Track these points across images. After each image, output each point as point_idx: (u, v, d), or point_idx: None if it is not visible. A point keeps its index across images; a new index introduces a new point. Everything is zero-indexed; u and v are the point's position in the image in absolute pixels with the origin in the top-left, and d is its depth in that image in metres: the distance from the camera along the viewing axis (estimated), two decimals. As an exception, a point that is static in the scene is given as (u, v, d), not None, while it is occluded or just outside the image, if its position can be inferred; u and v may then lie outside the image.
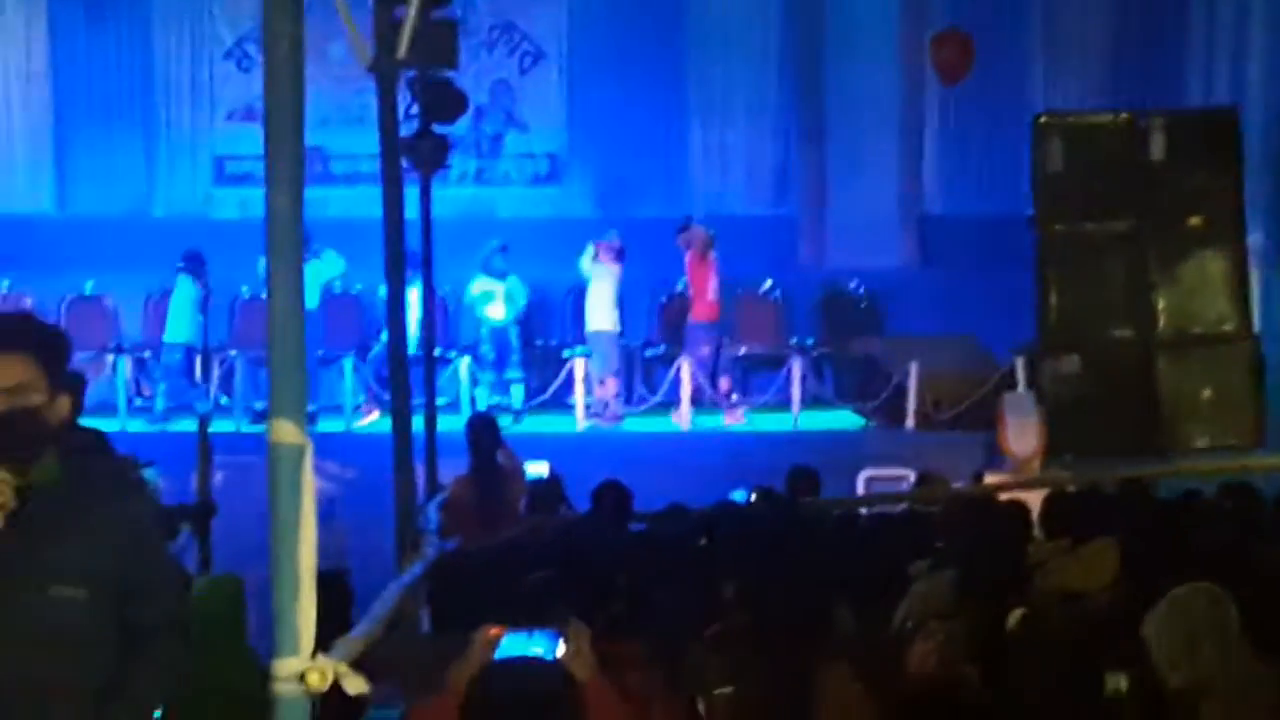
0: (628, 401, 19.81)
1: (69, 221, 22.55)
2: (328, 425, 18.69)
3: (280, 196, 4.52)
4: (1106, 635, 6.11)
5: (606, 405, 19.40)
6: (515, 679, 4.57)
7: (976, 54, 20.62)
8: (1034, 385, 17.57)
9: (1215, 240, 17.59)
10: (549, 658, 4.85)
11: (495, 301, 19.84)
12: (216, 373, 19.94)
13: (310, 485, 4.43)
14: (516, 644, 4.88)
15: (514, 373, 19.89)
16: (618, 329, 19.56)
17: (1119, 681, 5.51)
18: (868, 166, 22.47)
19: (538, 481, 13.28)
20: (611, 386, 19.42)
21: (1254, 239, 17.99)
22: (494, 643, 4.89)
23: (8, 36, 22.68)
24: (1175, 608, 5.89)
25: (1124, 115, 18.22)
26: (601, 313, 19.44)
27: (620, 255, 19.48)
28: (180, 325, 19.76)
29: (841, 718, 5.77)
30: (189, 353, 19.80)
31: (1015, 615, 6.85)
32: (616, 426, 19.36)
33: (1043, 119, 18.13)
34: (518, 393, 19.85)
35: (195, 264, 19.69)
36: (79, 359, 19.32)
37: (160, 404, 19.60)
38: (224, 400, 19.93)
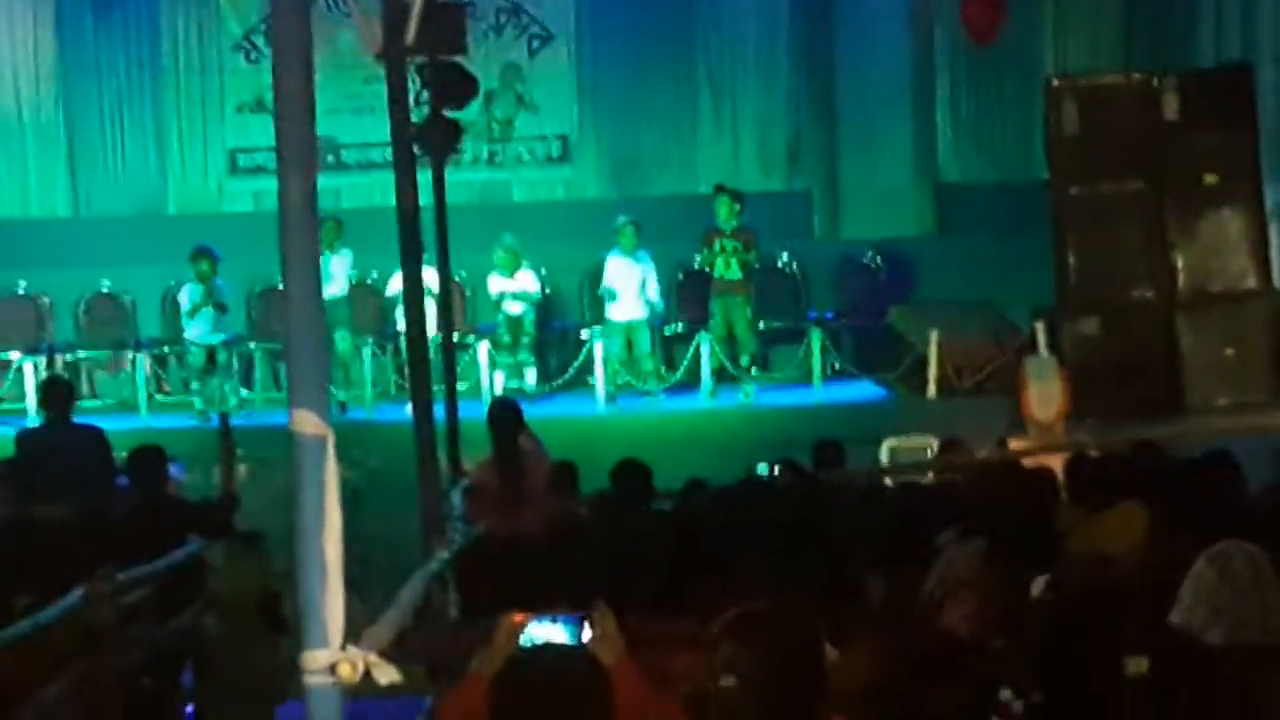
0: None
1: (84, 220, 22.58)
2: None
3: (293, 186, 4.52)
4: (1133, 598, 6.07)
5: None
6: (541, 665, 4.57)
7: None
8: (1055, 349, 17.51)
9: (1232, 198, 17.51)
10: (574, 642, 4.83)
11: (510, 299, 19.83)
12: (236, 367, 19.92)
13: (333, 475, 4.42)
14: (542, 629, 4.87)
15: (525, 355, 19.88)
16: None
17: (1140, 665, 5.47)
18: (880, 137, 22.40)
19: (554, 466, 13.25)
20: None
21: (1271, 195, 17.91)
22: (519, 629, 4.88)
23: (16, 39, 22.66)
24: (1212, 565, 5.86)
25: (1137, 76, 18.14)
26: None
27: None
28: (201, 324, 19.68)
29: (868, 687, 5.74)
30: (211, 352, 19.73)
31: (1039, 583, 6.82)
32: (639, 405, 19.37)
33: (1055, 82, 18.06)
34: (531, 375, 19.84)
35: (202, 260, 19.56)
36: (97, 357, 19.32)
37: (198, 403, 19.49)
38: (244, 394, 19.95)
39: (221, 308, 19.58)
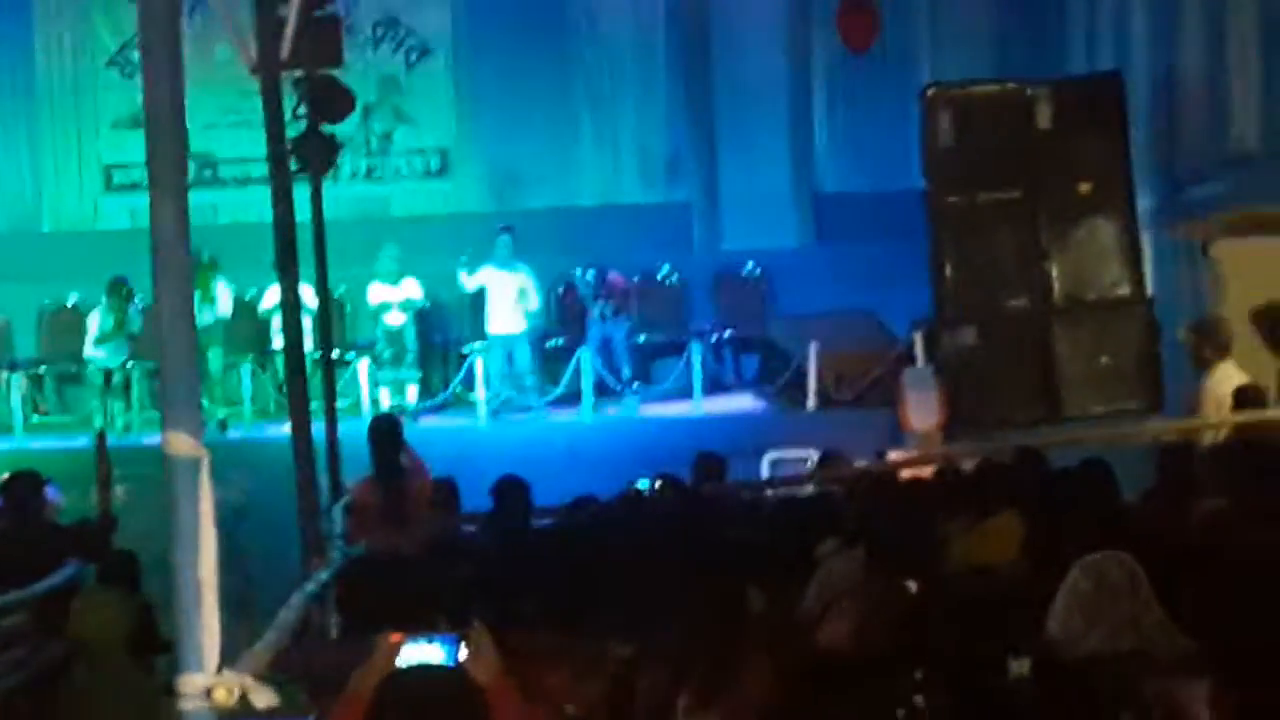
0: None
1: (-44, 238, 22.29)
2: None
3: (165, 204, 4.48)
4: (1012, 607, 6.12)
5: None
6: (416, 684, 4.60)
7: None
8: (932, 359, 17.63)
9: (1105, 206, 17.69)
10: (450, 662, 4.83)
11: (390, 309, 19.77)
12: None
13: (209, 496, 4.38)
14: (418, 649, 4.86)
15: (408, 373, 19.83)
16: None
17: (1022, 667, 5.50)
18: (758, 147, 22.48)
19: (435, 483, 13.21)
20: None
21: (1144, 203, 18.11)
22: (396, 649, 4.87)
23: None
24: (1086, 574, 5.90)
25: (1011, 85, 18.29)
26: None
27: None
28: (106, 349, 19.48)
29: (755, 699, 5.76)
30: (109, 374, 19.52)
31: (910, 587, 6.84)
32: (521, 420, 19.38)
33: (930, 91, 18.18)
34: (412, 391, 19.78)
35: (120, 290, 19.37)
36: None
37: (98, 421, 19.23)
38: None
39: (132, 338, 19.38)
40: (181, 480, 4.39)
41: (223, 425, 18.89)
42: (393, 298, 19.77)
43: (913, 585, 6.69)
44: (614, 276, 19.89)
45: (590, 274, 20.25)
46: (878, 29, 20.52)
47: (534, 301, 19.68)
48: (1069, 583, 5.94)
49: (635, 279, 20.56)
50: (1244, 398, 12.34)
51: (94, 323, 19.55)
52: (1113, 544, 6.13)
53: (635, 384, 19.71)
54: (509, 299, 19.51)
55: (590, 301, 19.83)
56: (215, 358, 19.40)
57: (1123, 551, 5.99)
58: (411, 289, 19.84)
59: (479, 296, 19.93)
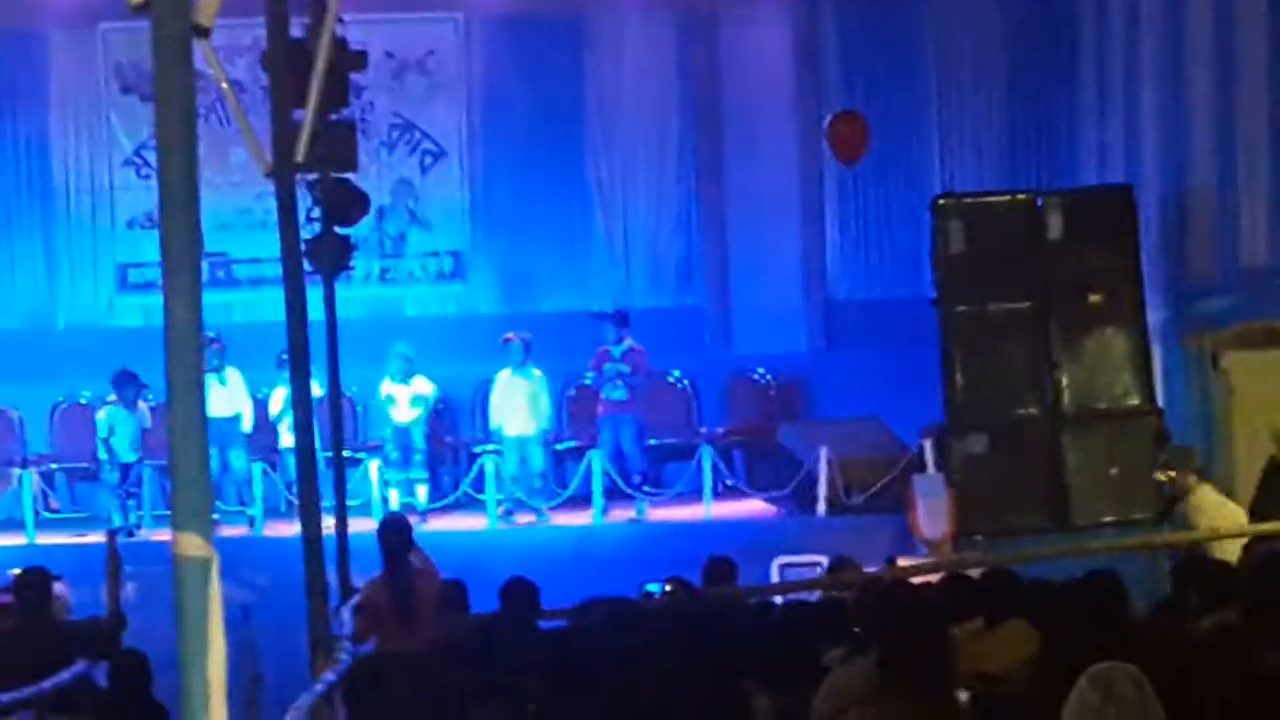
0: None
1: (-30, 335, 22.34)
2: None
3: (178, 304, 4.51)
4: (1021, 716, 6.12)
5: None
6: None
7: (873, 138, 20.82)
8: (943, 466, 17.63)
9: (1116, 317, 17.74)
10: None
11: (398, 405, 19.82)
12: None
13: (217, 597, 4.40)
14: None
15: (418, 473, 19.84)
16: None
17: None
18: (770, 254, 22.59)
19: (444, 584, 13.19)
20: None
21: (1154, 315, 18.15)
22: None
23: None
24: (1094, 686, 5.90)
25: (1021, 196, 18.40)
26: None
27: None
28: (119, 443, 19.46)
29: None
30: (125, 470, 19.49)
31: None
32: (530, 522, 19.37)
33: (941, 201, 18.28)
34: (422, 493, 19.79)
35: (126, 387, 19.36)
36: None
37: (117, 519, 19.14)
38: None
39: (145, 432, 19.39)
40: (191, 581, 4.41)
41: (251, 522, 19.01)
42: (401, 394, 19.80)
43: (964, 695, 6.68)
44: (637, 348, 19.81)
45: (610, 315, 20.14)
46: (867, 141, 20.58)
47: (545, 406, 19.70)
48: (1076, 693, 5.94)
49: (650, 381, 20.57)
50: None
51: (104, 421, 19.54)
52: (1120, 655, 6.13)
53: (645, 487, 19.70)
54: (522, 404, 19.54)
55: (612, 345, 19.71)
56: (238, 458, 19.48)
57: (1130, 663, 5.99)
58: (421, 386, 19.87)
59: (485, 398, 20.03)
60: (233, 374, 19.44)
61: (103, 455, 19.45)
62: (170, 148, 4.52)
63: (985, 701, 7.25)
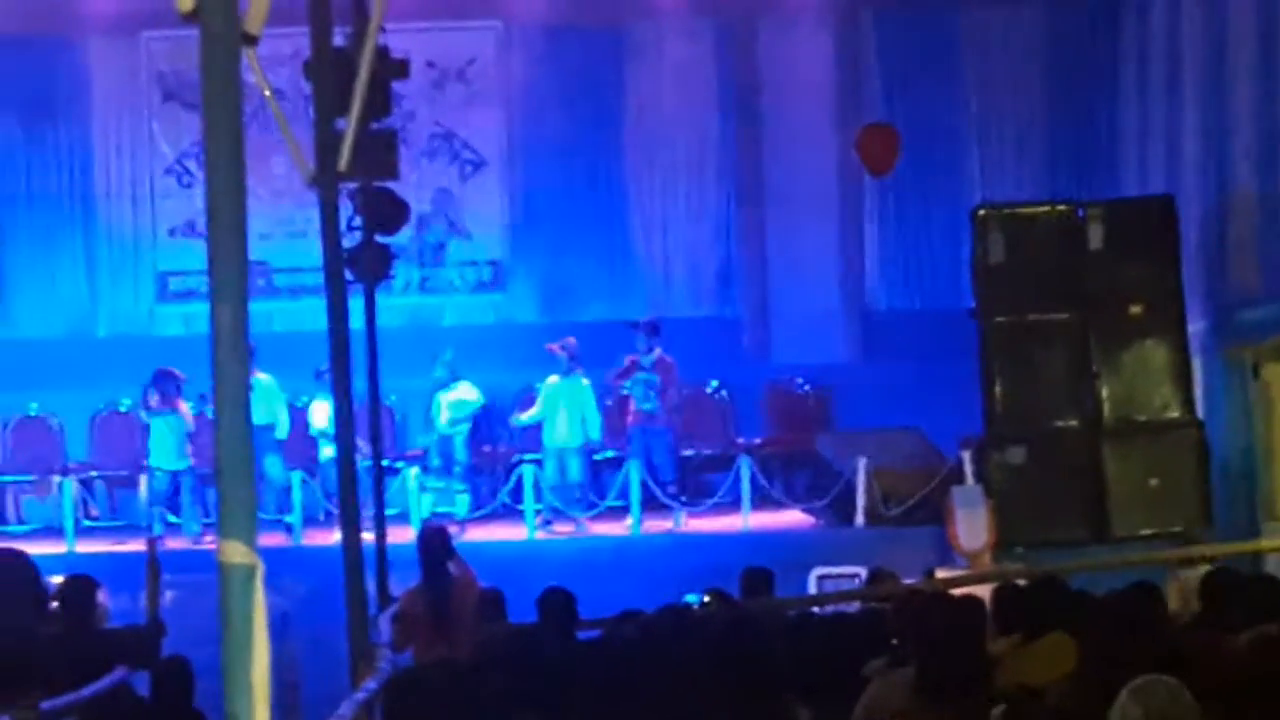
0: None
1: (13, 342, 22.41)
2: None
3: (225, 311, 4.53)
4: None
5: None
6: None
7: (912, 147, 20.79)
8: (982, 478, 17.60)
9: (1156, 328, 17.68)
10: None
11: (441, 410, 19.86)
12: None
13: (261, 605, 4.41)
14: None
15: (458, 484, 19.85)
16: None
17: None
18: (809, 264, 22.59)
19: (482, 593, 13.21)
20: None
21: (1194, 326, 18.09)
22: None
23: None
24: (1135, 700, 5.88)
25: (1061, 206, 18.37)
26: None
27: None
28: (163, 452, 19.50)
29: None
30: (174, 478, 19.51)
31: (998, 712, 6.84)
32: (569, 532, 19.37)
33: (981, 211, 18.26)
34: (462, 502, 19.80)
35: (166, 382, 19.38)
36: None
37: (158, 528, 19.10)
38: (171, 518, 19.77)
39: (190, 437, 19.41)
40: (236, 588, 4.42)
41: (288, 528, 18.99)
42: (443, 400, 19.84)
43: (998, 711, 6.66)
44: (667, 359, 19.75)
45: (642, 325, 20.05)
46: (897, 154, 20.52)
47: (592, 418, 19.66)
48: (1118, 707, 5.93)
49: (685, 391, 20.55)
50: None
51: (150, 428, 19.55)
52: (1161, 668, 6.11)
53: (683, 498, 19.70)
54: (571, 413, 19.51)
55: (643, 355, 19.64)
56: (273, 465, 19.46)
57: (1171, 676, 5.97)
58: (465, 392, 19.88)
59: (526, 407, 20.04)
60: (265, 380, 19.40)
61: (154, 462, 19.43)
62: (218, 155, 4.54)
63: (1025, 715, 7.21)
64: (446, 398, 19.87)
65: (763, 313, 22.81)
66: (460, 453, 19.88)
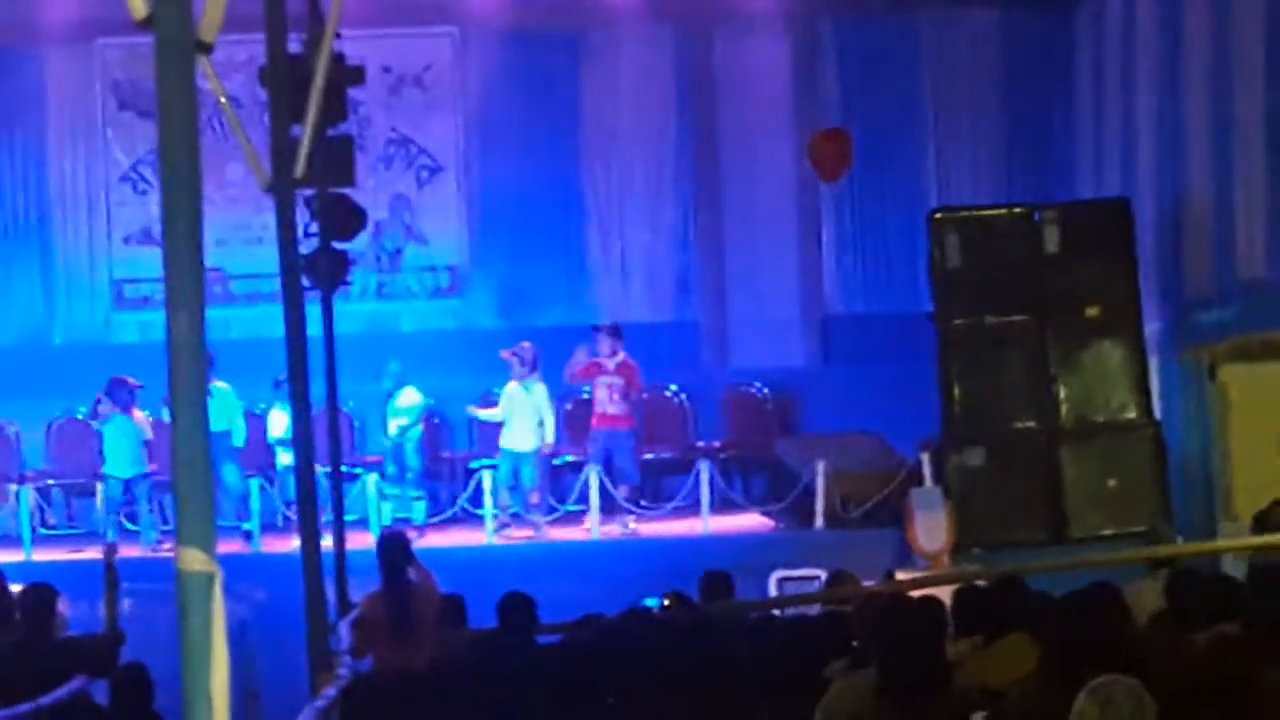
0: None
1: (-35, 351, 22.32)
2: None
3: (181, 318, 4.51)
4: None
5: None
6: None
7: (869, 152, 20.85)
8: (940, 480, 17.65)
9: (1113, 330, 17.74)
10: None
11: (391, 418, 19.85)
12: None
13: (220, 612, 4.40)
14: None
15: (413, 490, 19.82)
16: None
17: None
18: (767, 268, 22.61)
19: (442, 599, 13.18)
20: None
21: (1151, 327, 18.16)
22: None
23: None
24: (1094, 699, 5.90)
25: (1018, 209, 18.42)
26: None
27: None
28: (117, 460, 19.41)
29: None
30: (128, 485, 19.43)
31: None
32: (527, 536, 19.35)
33: (938, 215, 18.30)
34: (419, 509, 19.77)
35: (122, 396, 19.31)
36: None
37: (113, 535, 18.97)
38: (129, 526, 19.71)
39: (147, 445, 19.34)
40: (194, 596, 4.41)
41: (247, 536, 18.93)
42: (392, 408, 19.82)
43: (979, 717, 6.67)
44: (631, 362, 19.72)
45: (604, 329, 19.98)
46: (849, 160, 20.52)
47: (549, 426, 19.61)
48: (1077, 707, 5.94)
49: (645, 395, 20.57)
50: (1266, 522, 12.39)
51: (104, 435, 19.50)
52: (1121, 668, 6.13)
53: (642, 501, 19.69)
54: (527, 418, 19.48)
55: (605, 358, 19.60)
56: (229, 473, 19.38)
57: (1130, 677, 5.99)
58: (409, 397, 19.84)
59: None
60: (223, 387, 19.31)
61: (108, 470, 19.37)
62: (173, 162, 4.53)
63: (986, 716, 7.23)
64: (394, 407, 19.84)
65: (721, 317, 22.81)
66: (412, 459, 19.85)
